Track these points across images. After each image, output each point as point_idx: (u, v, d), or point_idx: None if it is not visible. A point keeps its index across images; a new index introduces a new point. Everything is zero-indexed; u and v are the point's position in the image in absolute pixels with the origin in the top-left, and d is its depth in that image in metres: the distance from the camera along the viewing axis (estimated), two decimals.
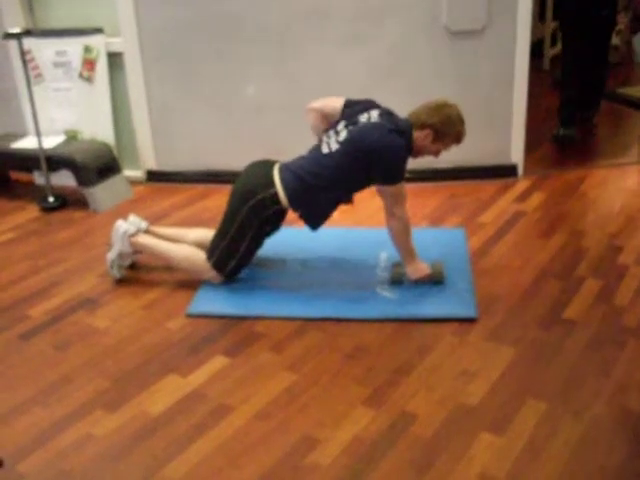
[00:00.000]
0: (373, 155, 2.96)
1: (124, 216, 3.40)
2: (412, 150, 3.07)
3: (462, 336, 2.79)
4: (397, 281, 3.16)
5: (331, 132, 3.11)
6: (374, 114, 3.07)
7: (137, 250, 3.32)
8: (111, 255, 3.31)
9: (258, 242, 3.18)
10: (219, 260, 3.15)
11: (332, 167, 3.03)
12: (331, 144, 3.06)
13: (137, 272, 3.42)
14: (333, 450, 2.24)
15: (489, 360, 2.64)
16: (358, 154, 2.98)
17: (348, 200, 3.23)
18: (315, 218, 3.16)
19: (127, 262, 3.37)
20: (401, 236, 3.10)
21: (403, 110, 3.10)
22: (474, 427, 2.31)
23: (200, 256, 3.20)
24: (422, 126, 3.03)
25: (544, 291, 3.08)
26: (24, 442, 2.35)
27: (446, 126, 3.03)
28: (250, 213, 3.06)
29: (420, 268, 3.13)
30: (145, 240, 3.30)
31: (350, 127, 3.06)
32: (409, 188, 3.28)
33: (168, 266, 3.34)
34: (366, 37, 4.07)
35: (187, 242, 3.32)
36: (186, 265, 3.25)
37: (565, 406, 2.38)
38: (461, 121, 3.06)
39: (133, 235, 3.28)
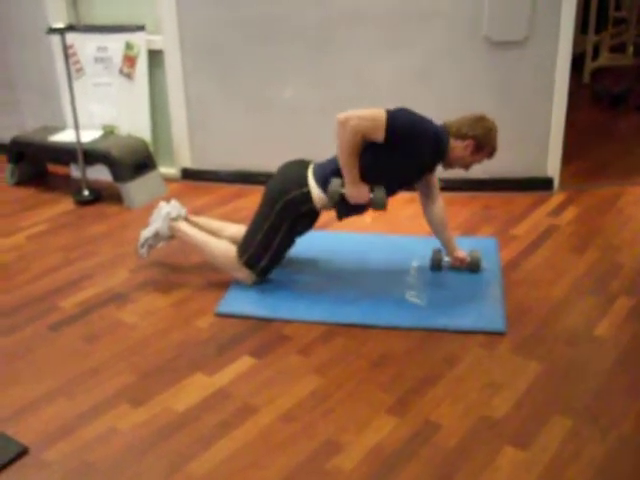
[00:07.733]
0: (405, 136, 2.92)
1: None
2: (445, 159, 3.06)
3: (490, 348, 2.77)
4: (436, 266, 3.31)
5: None
6: None
7: (173, 235, 3.35)
8: (146, 233, 3.34)
9: (290, 241, 3.19)
10: (251, 258, 3.16)
11: (365, 154, 2.97)
12: None
13: (167, 271, 3.44)
14: (356, 456, 2.24)
15: (516, 373, 2.62)
16: (393, 142, 2.91)
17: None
18: (344, 209, 3.14)
19: (159, 244, 3.39)
20: (344, 145, 2.90)
21: (438, 119, 3.09)
22: (498, 440, 2.29)
23: (235, 252, 3.20)
24: (464, 137, 3.01)
25: (575, 307, 3.05)
26: (50, 431, 2.38)
27: (486, 139, 3.03)
28: (283, 211, 3.07)
29: (361, 192, 3.00)
30: (184, 227, 3.32)
31: None
32: (443, 197, 3.29)
33: (199, 265, 3.36)
34: (404, 43, 4.07)
35: (224, 237, 3.33)
36: (219, 259, 3.25)
37: (591, 424, 2.35)
38: (496, 136, 3.05)
39: (174, 219, 3.31)
